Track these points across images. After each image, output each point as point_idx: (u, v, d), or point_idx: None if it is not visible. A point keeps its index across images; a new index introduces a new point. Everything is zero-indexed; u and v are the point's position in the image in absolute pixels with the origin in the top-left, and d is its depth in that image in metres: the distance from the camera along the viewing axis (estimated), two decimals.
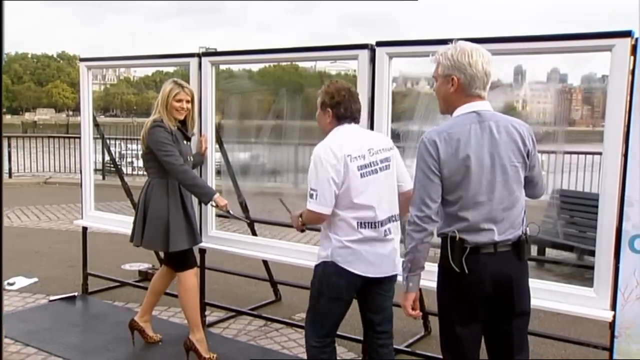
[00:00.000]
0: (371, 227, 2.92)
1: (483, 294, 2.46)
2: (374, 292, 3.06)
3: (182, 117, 3.95)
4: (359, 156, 2.92)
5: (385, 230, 2.95)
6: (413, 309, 2.61)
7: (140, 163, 18.11)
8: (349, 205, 2.88)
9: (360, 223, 2.89)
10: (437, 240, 2.61)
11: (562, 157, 9.48)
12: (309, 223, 3.09)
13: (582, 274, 4.68)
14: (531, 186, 2.61)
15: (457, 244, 2.43)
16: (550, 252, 6.61)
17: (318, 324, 3.08)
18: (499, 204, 2.43)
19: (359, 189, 2.88)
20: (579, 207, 6.53)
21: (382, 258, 2.96)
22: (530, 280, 3.31)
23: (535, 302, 3.21)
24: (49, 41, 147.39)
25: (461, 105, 2.48)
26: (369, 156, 2.94)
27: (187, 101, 3.94)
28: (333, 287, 2.96)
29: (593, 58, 3.28)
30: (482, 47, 2.60)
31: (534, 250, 6.61)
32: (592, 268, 3.18)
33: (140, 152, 4.07)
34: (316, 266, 3.05)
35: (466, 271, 2.42)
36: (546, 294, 3.24)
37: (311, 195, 2.88)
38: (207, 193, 3.85)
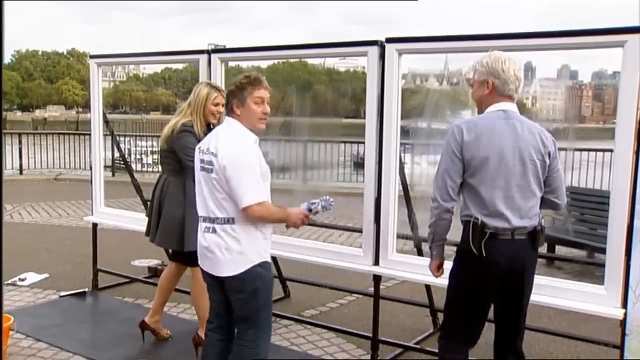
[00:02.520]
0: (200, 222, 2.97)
1: (497, 276, 2.71)
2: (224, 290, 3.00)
3: (216, 121, 3.92)
4: (200, 150, 2.96)
5: (203, 228, 2.94)
6: (437, 272, 2.96)
7: (149, 160, 18.02)
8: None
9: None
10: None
11: (572, 154, 9.44)
12: None
13: (592, 271, 4.65)
14: (551, 189, 2.80)
15: (478, 228, 2.67)
16: (560, 250, 6.58)
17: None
18: (516, 192, 2.67)
19: (196, 182, 2.99)
20: (590, 205, 6.49)
21: (206, 255, 2.94)
22: (540, 277, 3.32)
23: (545, 299, 3.23)
24: (57, 39, 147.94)
25: (492, 104, 2.76)
26: (202, 153, 2.94)
27: (223, 105, 3.90)
28: None
29: (604, 55, 3.28)
30: (494, 43, 3.15)
31: (543, 247, 6.59)
32: (602, 266, 3.17)
33: (158, 149, 4.06)
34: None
35: (484, 254, 2.65)
36: (556, 292, 3.23)
37: None
38: None
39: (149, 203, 4.26)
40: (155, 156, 16.95)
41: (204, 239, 2.92)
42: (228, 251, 2.86)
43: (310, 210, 2.99)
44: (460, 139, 2.68)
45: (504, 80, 2.72)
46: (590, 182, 9.53)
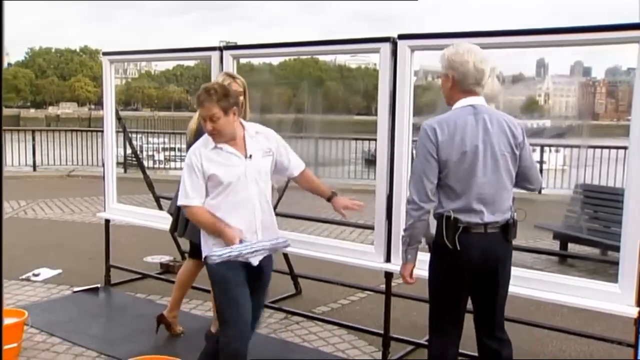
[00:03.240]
0: None
1: (471, 269, 2.75)
2: None
3: None
4: None
5: None
6: (410, 278, 2.92)
7: (161, 156, 18.05)
8: None
9: None
10: None
11: (586, 151, 9.39)
12: None
13: (606, 269, 4.63)
14: (524, 177, 2.84)
15: (451, 223, 2.71)
16: (574, 247, 6.54)
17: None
18: (489, 188, 2.70)
19: None
20: (603, 202, 6.45)
21: None
22: (553, 275, 3.30)
23: (558, 297, 3.22)
24: (70, 36, 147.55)
25: (459, 99, 2.76)
26: None
27: (239, 92, 3.87)
28: None
29: (618, 51, 3.25)
30: (507, 39, 3.24)
31: (556, 245, 6.56)
32: (616, 264, 3.14)
33: (186, 143, 4.08)
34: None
35: (458, 248, 2.69)
36: (570, 290, 3.21)
37: None
38: None
39: (172, 200, 4.26)
40: (167, 153, 17.06)
41: None
42: None
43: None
44: (435, 139, 2.68)
45: (462, 74, 2.71)
46: (604, 180, 9.47)
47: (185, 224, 3.99)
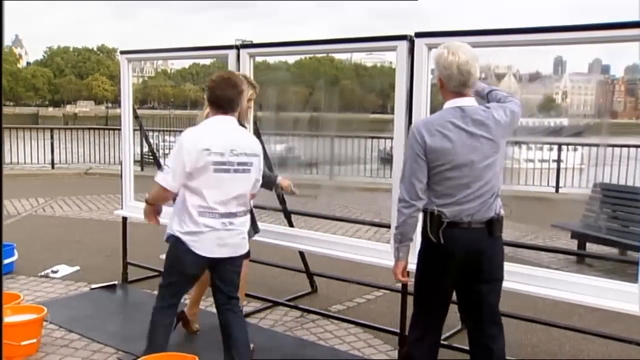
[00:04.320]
0: (211, 217, 3.15)
1: (455, 263, 2.81)
2: (223, 268, 3.32)
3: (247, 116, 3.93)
4: (217, 152, 3.10)
5: (227, 222, 3.19)
6: (402, 276, 2.99)
7: None
8: (199, 194, 3.12)
9: (200, 212, 3.14)
10: None
11: (604, 150, 9.30)
12: (155, 199, 3.36)
13: (624, 269, 4.57)
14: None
15: (435, 218, 2.79)
16: (591, 247, 6.47)
17: (168, 292, 3.43)
18: (474, 186, 2.74)
19: (209, 183, 3.11)
20: (622, 201, 6.38)
21: (225, 242, 3.21)
22: (570, 274, 3.27)
23: (576, 297, 3.20)
24: (88, 35, 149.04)
25: (449, 99, 2.80)
26: (228, 155, 3.13)
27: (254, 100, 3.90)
28: (180, 262, 3.28)
29: (637, 48, 3.20)
30: (523, 37, 3.18)
31: (573, 244, 6.51)
32: (635, 263, 3.12)
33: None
34: (168, 238, 3.32)
35: (442, 242, 2.77)
36: (587, 289, 3.18)
37: (165, 171, 3.13)
38: (269, 177, 3.88)
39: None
40: None
41: (226, 233, 3.20)
42: (246, 235, 3.37)
43: None
44: (423, 142, 2.74)
45: (447, 77, 2.75)
46: (622, 179, 9.37)
47: None
